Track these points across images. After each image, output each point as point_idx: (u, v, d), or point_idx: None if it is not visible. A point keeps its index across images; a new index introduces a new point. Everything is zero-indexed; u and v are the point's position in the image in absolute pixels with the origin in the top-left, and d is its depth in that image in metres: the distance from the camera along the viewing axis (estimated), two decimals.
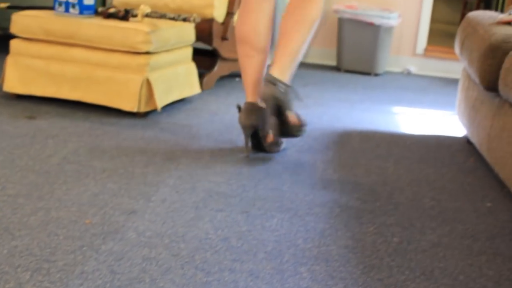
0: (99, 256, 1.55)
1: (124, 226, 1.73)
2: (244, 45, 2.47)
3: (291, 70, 2.36)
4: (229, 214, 1.87)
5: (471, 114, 2.63)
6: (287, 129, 2.41)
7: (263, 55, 2.48)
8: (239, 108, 2.45)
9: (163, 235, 1.69)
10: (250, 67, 2.47)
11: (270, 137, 2.47)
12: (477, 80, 2.39)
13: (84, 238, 1.64)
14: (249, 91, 2.48)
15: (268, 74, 2.32)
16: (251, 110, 2.41)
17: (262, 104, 2.40)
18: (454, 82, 4.55)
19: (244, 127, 2.40)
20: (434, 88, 4.32)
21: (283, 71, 2.33)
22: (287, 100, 2.34)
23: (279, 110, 2.34)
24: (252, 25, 2.45)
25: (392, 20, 4.44)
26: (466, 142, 2.92)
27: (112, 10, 2.95)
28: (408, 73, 4.83)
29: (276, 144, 2.51)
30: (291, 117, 2.40)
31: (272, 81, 2.29)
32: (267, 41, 2.48)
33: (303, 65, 4.59)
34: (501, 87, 2.16)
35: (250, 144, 2.47)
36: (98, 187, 1.99)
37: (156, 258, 1.56)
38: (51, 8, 3.07)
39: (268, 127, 2.44)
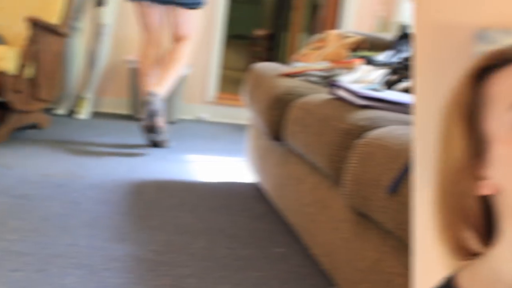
0: None
1: None
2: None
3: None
4: (25, 273, 1.79)
5: (261, 162, 2.76)
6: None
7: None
8: None
9: None
10: None
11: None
12: (264, 130, 2.52)
13: None
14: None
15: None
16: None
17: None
18: (244, 128, 4.74)
19: None
20: (225, 135, 4.48)
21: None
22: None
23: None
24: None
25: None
26: (256, 188, 3.05)
27: None
28: (200, 121, 4.96)
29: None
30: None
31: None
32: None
33: (96, 114, 4.54)
34: (285, 137, 2.31)
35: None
36: None
37: None
38: None
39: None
